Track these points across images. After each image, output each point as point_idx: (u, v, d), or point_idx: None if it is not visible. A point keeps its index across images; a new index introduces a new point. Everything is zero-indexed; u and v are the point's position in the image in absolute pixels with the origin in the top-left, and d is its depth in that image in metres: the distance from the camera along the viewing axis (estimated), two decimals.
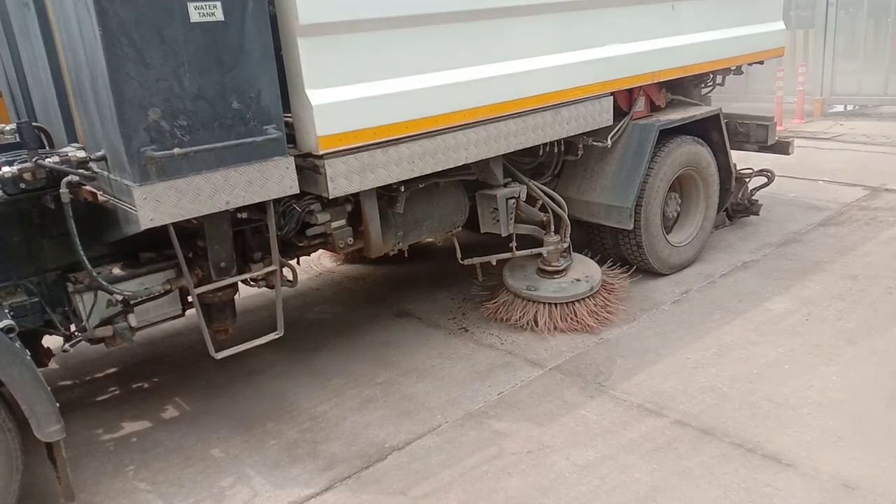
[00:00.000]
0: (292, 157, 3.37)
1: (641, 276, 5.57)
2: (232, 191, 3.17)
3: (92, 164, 3.29)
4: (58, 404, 3.00)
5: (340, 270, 6.43)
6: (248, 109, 3.16)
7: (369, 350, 4.80)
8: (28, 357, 2.97)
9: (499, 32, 4.12)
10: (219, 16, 3.00)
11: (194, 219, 3.21)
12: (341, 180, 3.57)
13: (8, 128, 3.57)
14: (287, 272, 4.18)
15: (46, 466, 3.29)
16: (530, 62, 4.30)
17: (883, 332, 4.50)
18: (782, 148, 6.60)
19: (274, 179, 3.29)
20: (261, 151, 3.23)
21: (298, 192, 3.44)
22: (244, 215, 3.59)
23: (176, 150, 2.94)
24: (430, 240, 6.41)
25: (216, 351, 3.61)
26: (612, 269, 5.38)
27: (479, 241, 5.43)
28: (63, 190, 3.20)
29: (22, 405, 2.92)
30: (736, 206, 6.66)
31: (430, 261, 6.42)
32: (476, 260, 5.07)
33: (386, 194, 4.31)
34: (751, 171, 6.58)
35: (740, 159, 6.45)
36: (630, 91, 5.34)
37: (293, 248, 4.24)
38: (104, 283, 3.52)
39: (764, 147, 6.56)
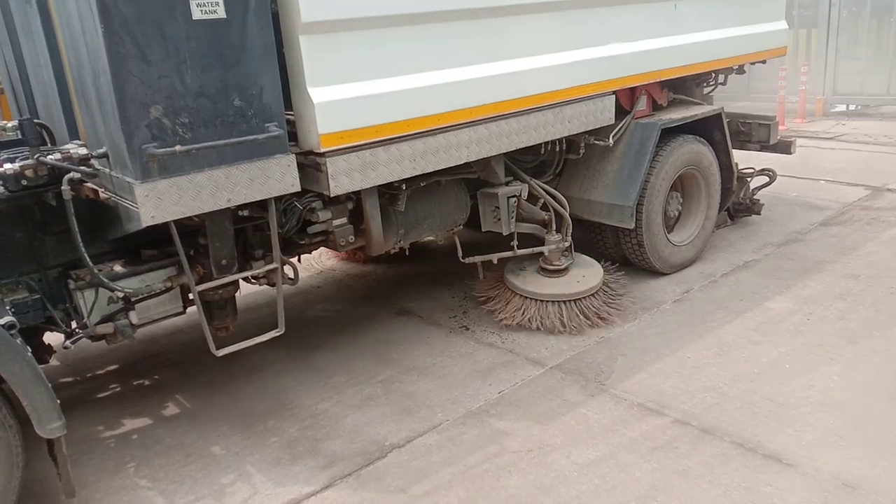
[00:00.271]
0: (294, 155, 3.38)
1: (642, 276, 5.56)
2: (233, 188, 3.17)
3: (94, 161, 3.29)
4: (59, 401, 3.00)
5: (341, 268, 6.43)
6: (249, 107, 3.16)
7: (370, 348, 4.80)
8: (29, 353, 2.97)
9: (500, 31, 4.11)
10: (221, 13, 3.00)
11: (196, 216, 3.20)
12: (343, 178, 3.57)
13: (10, 125, 3.59)
14: (288, 270, 4.18)
15: (47, 463, 3.30)
16: (532, 61, 4.30)
17: (884, 331, 4.50)
18: (784, 147, 6.60)
19: (275, 177, 3.29)
20: (262, 149, 3.23)
21: (300, 189, 3.44)
22: (245, 213, 3.59)
23: (178, 148, 2.94)
24: (432, 238, 6.43)
25: (217, 348, 3.61)
26: (614, 269, 5.37)
27: (481, 239, 5.43)
28: (65, 187, 3.20)
29: (23, 402, 2.92)
30: (737, 206, 6.65)
31: (431, 259, 6.42)
32: (477, 258, 5.07)
33: (387, 192, 4.31)
34: (752, 170, 6.58)
35: (742, 159, 6.44)
36: (632, 90, 5.34)
37: (294, 245, 4.25)
38: (105, 280, 3.52)
39: (766, 146, 6.55)
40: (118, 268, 3.75)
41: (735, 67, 6.27)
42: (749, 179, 6.58)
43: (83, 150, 3.31)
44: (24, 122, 3.37)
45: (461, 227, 4.99)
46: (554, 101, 4.49)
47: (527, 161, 5.15)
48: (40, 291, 3.67)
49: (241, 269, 3.79)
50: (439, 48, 3.85)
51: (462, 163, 4.15)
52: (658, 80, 5.31)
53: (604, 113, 4.91)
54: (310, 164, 3.57)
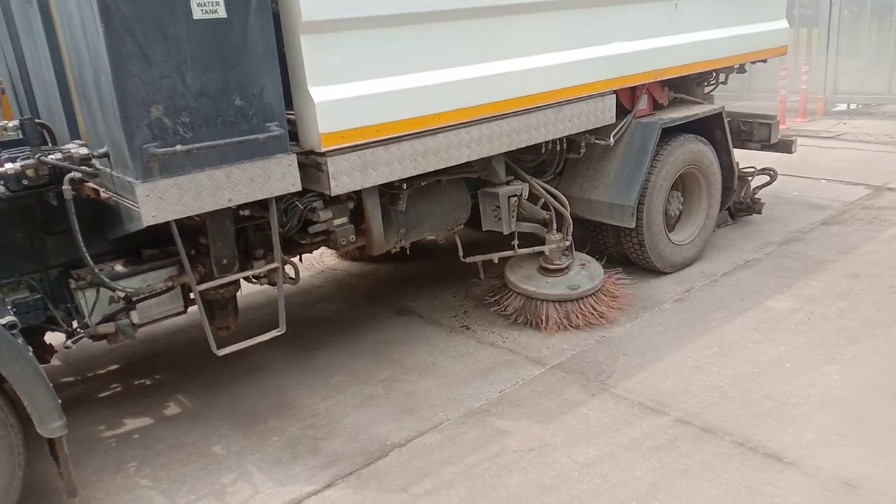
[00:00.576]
0: (294, 155, 3.38)
1: (643, 275, 5.56)
2: (234, 188, 3.17)
3: (94, 161, 3.29)
4: (60, 400, 3.00)
5: (342, 268, 6.44)
6: (250, 106, 3.16)
7: (371, 347, 4.80)
8: (30, 353, 2.97)
9: (501, 30, 4.11)
10: (221, 13, 3.00)
11: (196, 216, 3.21)
12: (343, 178, 3.57)
13: (11, 124, 3.58)
14: (289, 269, 4.18)
15: (48, 463, 3.30)
16: (533, 60, 4.30)
17: (885, 330, 4.50)
18: (785, 146, 6.59)
19: (276, 177, 3.29)
20: (263, 148, 3.23)
21: (301, 189, 3.45)
22: (246, 212, 3.59)
23: (178, 147, 2.94)
24: (432, 238, 6.43)
25: (218, 348, 3.61)
26: (614, 268, 5.37)
27: (481, 239, 5.43)
28: (66, 187, 3.20)
29: (24, 401, 2.92)
30: (738, 205, 6.65)
31: (431, 259, 6.43)
32: (478, 258, 5.08)
33: (388, 192, 4.31)
34: (753, 169, 6.58)
35: (743, 158, 6.44)
36: (633, 89, 5.33)
37: (295, 245, 4.25)
38: (106, 279, 3.53)
39: (767, 146, 6.55)
40: (119, 267, 3.75)
41: (736, 66, 6.26)
42: (750, 178, 6.58)
43: (84, 150, 3.31)
44: (24, 121, 3.38)
45: (462, 226, 4.99)
46: (554, 100, 4.49)
47: (527, 160, 5.15)
48: (41, 291, 3.68)
49: (242, 268, 3.79)
50: (440, 47, 3.85)
51: (463, 162, 4.15)
52: (659, 79, 5.30)
53: (604, 112, 4.91)
54: (311, 164, 3.57)
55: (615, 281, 5.20)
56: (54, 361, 4.39)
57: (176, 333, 5.20)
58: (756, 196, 6.73)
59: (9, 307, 3.36)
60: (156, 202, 2.98)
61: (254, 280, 4.05)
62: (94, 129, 3.32)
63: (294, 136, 3.52)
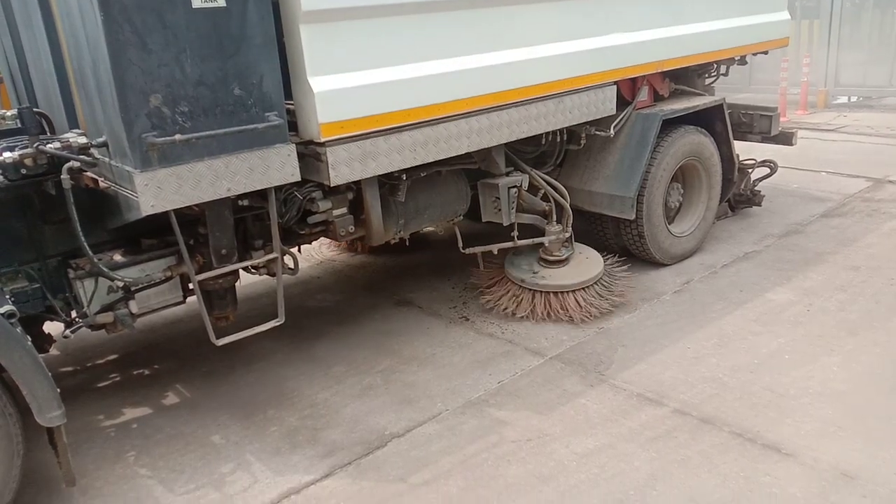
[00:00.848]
0: (294, 145, 3.37)
1: (643, 266, 5.56)
2: (233, 178, 3.17)
3: (93, 150, 3.28)
4: (59, 390, 3.01)
5: (341, 259, 6.43)
6: (249, 96, 3.15)
7: (370, 338, 4.80)
8: (29, 342, 2.97)
9: (501, 20, 4.09)
10: (220, 1, 2.98)
11: (195, 205, 3.20)
12: (343, 168, 3.56)
13: (9, 113, 3.57)
14: (288, 260, 4.18)
15: (47, 452, 3.31)
16: (533, 50, 4.28)
17: (884, 322, 4.50)
18: (785, 139, 6.58)
19: (275, 166, 3.28)
20: (262, 138, 3.22)
21: (300, 179, 3.44)
22: (245, 202, 3.58)
23: (177, 137, 2.93)
24: (432, 229, 6.42)
25: (217, 338, 3.61)
26: (614, 260, 5.37)
27: (481, 230, 5.42)
28: (64, 176, 3.20)
29: (23, 390, 2.92)
30: (738, 197, 6.64)
31: (431, 250, 6.42)
32: (477, 249, 5.07)
33: (387, 182, 4.30)
34: (754, 161, 6.58)
35: (743, 150, 6.43)
36: (633, 80, 5.32)
37: (294, 235, 4.24)
38: (105, 269, 3.52)
39: (767, 138, 6.53)
40: (118, 257, 3.75)
41: (737, 58, 6.24)
42: (750, 171, 6.57)
43: (83, 139, 3.30)
44: (23, 110, 3.36)
45: (461, 217, 4.98)
46: (555, 91, 4.47)
47: (527, 151, 5.14)
48: (40, 281, 3.67)
49: (241, 258, 3.79)
50: (440, 37, 3.83)
51: (462, 153, 4.14)
52: (660, 70, 5.29)
53: (605, 103, 4.89)
54: (310, 154, 3.56)
55: (614, 272, 5.20)
56: (53, 351, 4.40)
57: (175, 323, 5.20)
58: (756, 188, 6.72)
59: (7, 296, 3.36)
60: (154, 192, 2.97)
61: (253, 270, 4.05)
62: (93, 118, 3.31)
63: (293, 125, 3.51)
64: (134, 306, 3.74)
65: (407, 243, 4.95)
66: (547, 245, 5.02)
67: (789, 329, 4.51)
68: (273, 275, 3.94)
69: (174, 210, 3.14)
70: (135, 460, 3.66)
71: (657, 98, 5.70)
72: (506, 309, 4.92)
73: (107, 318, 3.69)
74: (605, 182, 5.25)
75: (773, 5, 6.24)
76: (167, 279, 3.80)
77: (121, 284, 3.65)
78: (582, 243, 5.34)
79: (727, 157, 5.99)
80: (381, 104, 3.63)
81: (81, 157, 3.25)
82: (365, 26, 3.51)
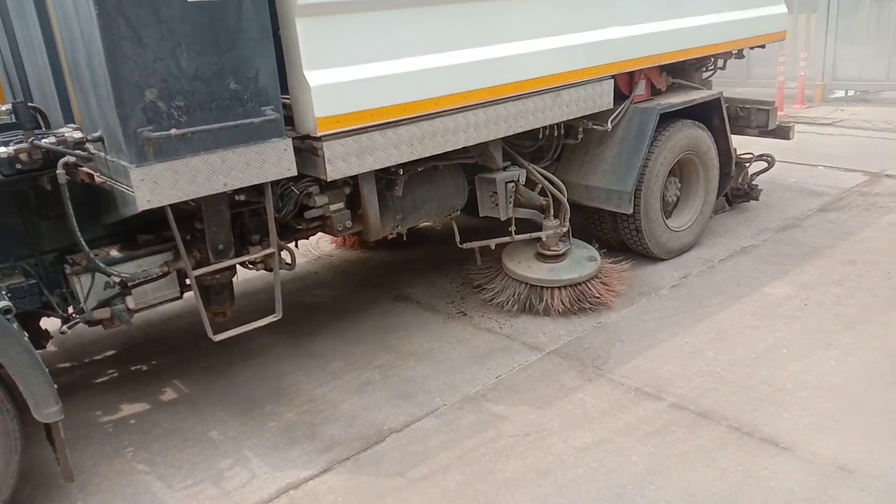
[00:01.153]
0: (290, 139, 3.35)
1: (640, 261, 5.56)
2: (229, 172, 3.15)
3: (89, 145, 3.26)
4: (56, 386, 3.00)
5: (339, 254, 6.42)
6: (245, 90, 3.13)
7: (368, 333, 4.80)
8: (26, 338, 2.96)
9: (499, 14, 4.08)
10: None
11: (192, 200, 3.19)
12: (339, 163, 3.55)
13: (4, 108, 3.55)
14: (285, 255, 4.17)
15: (45, 448, 3.30)
16: (530, 44, 4.27)
17: (881, 317, 4.51)
18: (783, 133, 6.58)
19: (272, 161, 3.27)
20: (258, 133, 3.21)
21: (296, 174, 3.42)
22: (242, 197, 3.57)
23: (173, 131, 2.92)
24: (429, 224, 6.42)
25: (214, 333, 3.60)
26: (612, 254, 5.36)
27: (478, 225, 5.42)
28: (60, 171, 3.18)
29: (20, 386, 2.92)
30: (736, 191, 6.65)
31: (428, 245, 6.42)
32: (475, 244, 5.07)
33: (384, 177, 4.29)
34: (751, 155, 6.57)
35: (741, 144, 6.42)
36: (631, 74, 5.31)
37: (291, 230, 4.23)
38: (102, 265, 3.51)
39: (764, 132, 6.54)
40: (114, 252, 3.73)
41: (734, 52, 6.24)
42: (747, 165, 6.57)
43: (78, 134, 3.28)
44: (17, 105, 3.34)
45: (459, 212, 4.97)
46: (552, 85, 4.46)
47: (525, 146, 5.13)
48: (36, 276, 3.66)
49: (238, 253, 3.78)
50: (437, 31, 3.82)
51: (460, 147, 4.13)
52: (657, 64, 5.28)
53: (602, 97, 4.89)
54: (306, 149, 3.55)
55: (612, 267, 5.19)
56: (50, 347, 4.39)
57: (172, 319, 5.19)
58: (753, 182, 6.72)
59: (3, 292, 3.34)
60: (151, 187, 2.96)
61: (250, 266, 4.05)
62: (88, 112, 3.29)
63: (290, 120, 3.50)
64: (131, 302, 3.73)
65: (405, 238, 4.94)
66: (544, 240, 5.01)
67: (786, 323, 4.52)
68: (270, 270, 3.93)
69: (170, 205, 3.12)
70: (133, 456, 3.66)
71: (654, 92, 5.69)
72: (503, 303, 4.92)
73: (104, 313, 3.68)
74: (603, 176, 5.25)
75: None
76: (164, 275, 3.78)
77: (117, 280, 3.64)
78: (579, 238, 5.34)
79: (724, 152, 5.99)
80: (377, 98, 3.62)
81: (77, 151, 3.23)
82: (361, 20, 3.50)
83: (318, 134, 3.43)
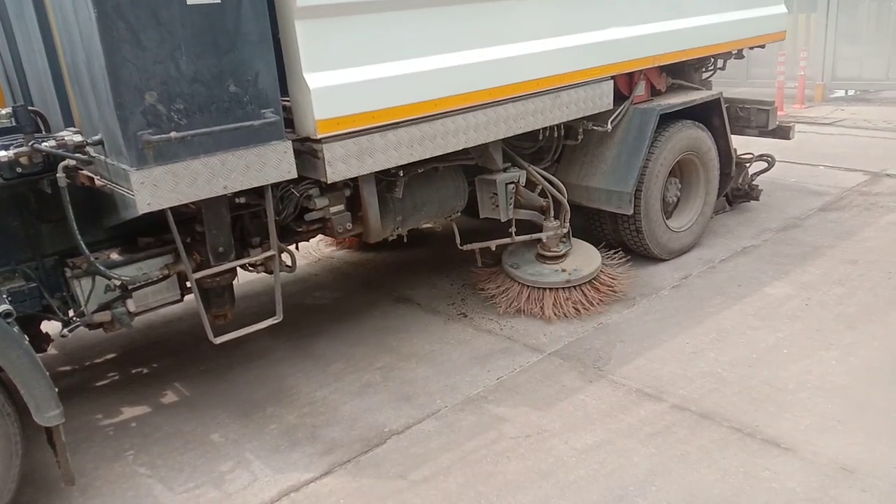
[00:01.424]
0: (290, 142, 3.35)
1: (641, 262, 5.56)
2: (229, 175, 3.15)
3: (89, 149, 3.26)
4: (57, 389, 3.00)
5: (339, 256, 6.42)
6: (245, 93, 3.13)
7: (369, 335, 4.80)
8: (26, 342, 2.96)
9: (498, 15, 4.08)
10: None
11: (192, 203, 3.19)
12: (339, 165, 3.55)
13: (4, 111, 3.55)
14: (286, 257, 4.17)
15: (46, 451, 3.30)
16: (530, 45, 4.26)
17: (883, 316, 4.50)
18: (783, 133, 6.57)
19: (272, 164, 3.27)
20: (258, 135, 3.20)
21: (296, 176, 3.42)
22: (242, 200, 3.57)
23: (173, 134, 2.92)
24: (430, 225, 6.42)
25: (215, 336, 3.60)
26: (612, 255, 5.36)
27: (479, 226, 5.41)
28: (60, 174, 3.18)
29: (21, 390, 2.91)
30: (736, 191, 6.64)
31: (429, 247, 6.41)
32: (475, 245, 5.07)
33: (385, 179, 4.29)
34: (751, 155, 6.57)
35: (741, 144, 6.42)
36: (630, 75, 5.31)
37: (292, 233, 4.23)
38: (102, 268, 3.51)
39: (765, 132, 6.53)
40: (115, 256, 3.74)
41: (734, 52, 6.24)
42: (748, 165, 6.57)
43: (78, 137, 3.28)
44: (17, 108, 3.34)
45: (459, 213, 4.98)
46: (552, 86, 4.46)
47: (525, 147, 5.13)
48: (37, 280, 3.66)
49: (238, 256, 3.78)
50: (436, 33, 3.82)
51: (460, 149, 4.13)
52: (657, 64, 5.27)
53: (602, 98, 4.88)
54: (306, 151, 3.54)
55: (613, 268, 5.19)
56: (51, 350, 4.39)
57: (173, 322, 5.19)
58: (754, 182, 6.72)
59: (4, 296, 3.35)
60: (151, 190, 2.96)
61: (250, 268, 4.05)
62: (88, 116, 3.29)
63: (290, 122, 3.50)
64: (131, 305, 3.73)
65: (405, 240, 4.94)
66: (545, 241, 5.01)
67: (787, 323, 4.51)
68: (271, 272, 3.92)
69: (171, 208, 3.12)
70: (134, 459, 3.65)
71: (654, 93, 5.69)
72: (504, 305, 4.92)
73: (104, 316, 3.68)
74: (603, 177, 5.25)
75: None
76: (164, 277, 3.78)
77: (118, 283, 3.64)
78: (580, 239, 5.34)
79: (725, 152, 5.98)
80: (377, 100, 3.61)
81: (77, 155, 3.23)
82: (360, 22, 3.50)
83: (318, 136, 3.43)
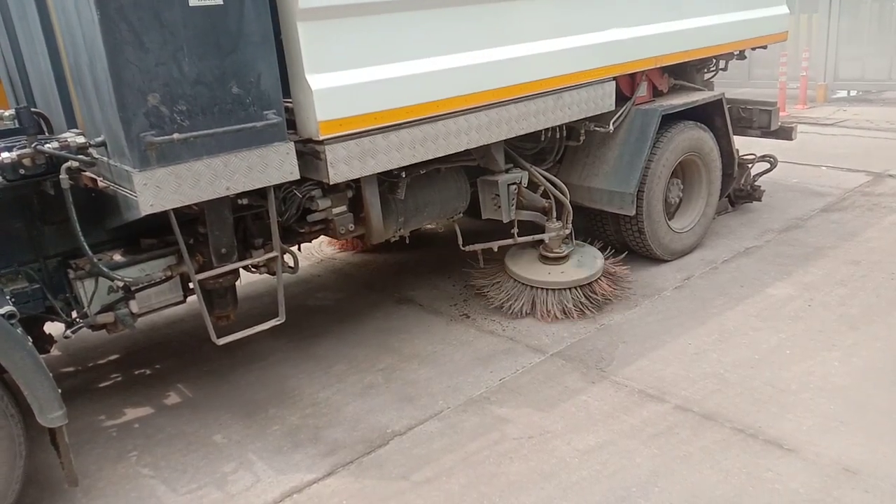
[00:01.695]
0: (292, 143, 3.36)
1: (643, 262, 5.56)
2: (232, 176, 3.16)
3: (91, 150, 3.27)
4: (60, 390, 3.00)
5: (341, 257, 6.43)
6: (247, 94, 3.14)
7: (371, 336, 4.80)
8: (30, 343, 2.96)
9: (500, 16, 4.08)
10: None
11: (195, 205, 3.19)
12: (342, 166, 3.55)
13: (7, 113, 3.55)
14: (288, 258, 4.17)
15: (49, 452, 3.31)
16: (532, 46, 4.27)
17: (885, 317, 4.50)
18: (785, 133, 6.57)
19: (274, 165, 3.28)
20: (261, 137, 3.21)
21: (299, 177, 3.43)
22: (245, 201, 3.58)
23: (175, 136, 2.92)
24: (432, 226, 6.42)
25: (218, 337, 3.60)
26: (614, 256, 5.36)
27: (481, 227, 5.42)
28: (63, 176, 3.19)
29: (24, 391, 2.92)
30: (738, 192, 6.64)
31: (431, 248, 6.42)
32: (478, 246, 5.07)
33: (387, 180, 4.29)
34: (753, 156, 6.56)
35: (743, 145, 6.42)
36: (632, 76, 5.31)
37: (294, 234, 4.24)
38: (105, 269, 3.52)
39: (767, 133, 6.53)
40: (118, 257, 3.75)
41: (736, 53, 6.24)
42: (750, 166, 6.56)
43: (81, 139, 3.29)
44: (20, 110, 3.35)
45: (461, 214, 4.98)
46: (554, 87, 4.46)
47: (527, 148, 5.13)
48: (40, 281, 3.67)
49: (240, 257, 3.78)
50: (439, 34, 3.82)
51: (462, 150, 4.13)
52: (659, 65, 5.27)
53: (604, 99, 4.88)
54: (309, 152, 3.55)
55: (615, 269, 5.19)
56: (54, 351, 4.39)
57: (176, 323, 5.20)
58: (756, 183, 6.72)
59: (7, 297, 3.36)
60: (154, 191, 2.96)
61: (253, 269, 4.05)
62: (91, 117, 3.30)
63: (292, 124, 3.50)
64: (134, 306, 3.74)
65: (407, 241, 4.94)
66: (547, 242, 5.01)
67: (790, 324, 4.51)
68: (273, 273, 3.93)
69: (173, 209, 3.13)
70: (137, 460, 3.66)
71: (656, 93, 5.70)
72: (505, 306, 4.92)
73: (107, 318, 3.68)
74: (605, 178, 5.24)
75: None
76: (167, 279, 3.79)
77: (121, 284, 3.64)
78: (582, 240, 5.34)
79: (727, 153, 5.98)
80: (379, 101, 3.62)
81: (80, 156, 3.24)
82: (362, 23, 3.50)
83: (321, 137, 3.43)
